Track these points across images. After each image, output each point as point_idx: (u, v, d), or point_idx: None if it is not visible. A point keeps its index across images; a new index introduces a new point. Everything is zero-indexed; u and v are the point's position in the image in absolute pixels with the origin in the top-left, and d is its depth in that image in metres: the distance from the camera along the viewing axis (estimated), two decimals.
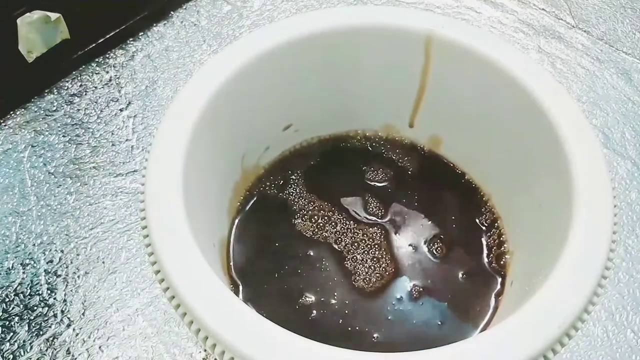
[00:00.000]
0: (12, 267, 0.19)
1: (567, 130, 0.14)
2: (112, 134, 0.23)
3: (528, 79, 0.15)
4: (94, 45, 0.24)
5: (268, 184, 0.18)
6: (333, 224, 0.17)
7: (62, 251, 0.20)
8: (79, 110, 0.23)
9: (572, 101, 0.15)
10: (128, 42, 0.25)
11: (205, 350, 0.18)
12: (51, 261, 0.19)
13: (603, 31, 0.26)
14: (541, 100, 0.14)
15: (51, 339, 0.18)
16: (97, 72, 0.24)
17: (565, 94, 0.15)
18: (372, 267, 0.16)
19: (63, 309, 0.19)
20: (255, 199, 0.17)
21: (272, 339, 0.11)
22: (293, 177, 0.18)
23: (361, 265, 0.16)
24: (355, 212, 0.17)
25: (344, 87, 0.17)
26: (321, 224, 0.17)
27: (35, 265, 0.19)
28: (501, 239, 0.17)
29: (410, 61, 0.16)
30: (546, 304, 0.12)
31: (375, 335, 0.15)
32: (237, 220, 0.17)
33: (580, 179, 0.13)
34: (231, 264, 0.16)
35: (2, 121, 0.23)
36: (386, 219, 0.17)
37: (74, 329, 0.18)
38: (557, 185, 0.14)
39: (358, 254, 0.16)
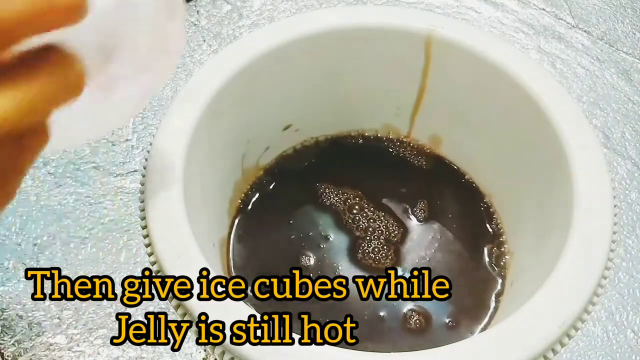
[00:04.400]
0: (13, 267, 0.19)
1: (567, 130, 0.14)
2: (112, 133, 0.22)
3: (528, 79, 0.15)
4: None
5: (268, 183, 0.18)
6: (335, 224, 0.17)
7: (62, 251, 0.20)
8: None
9: (572, 101, 0.15)
10: None
11: (205, 350, 0.18)
12: (51, 261, 0.19)
13: (603, 31, 0.26)
14: (541, 101, 0.14)
15: (52, 338, 0.18)
16: None
17: (565, 94, 0.15)
18: (378, 255, 0.16)
19: (63, 309, 0.18)
20: (255, 198, 0.17)
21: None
22: (293, 177, 0.18)
23: (371, 253, 0.16)
24: (357, 211, 0.17)
25: (344, 87, 0.17)
26: (322, 223, 0.17)
27: (35, 265, 0.19)
28: (501, 239, 0.17)
29: (410, 61, 0.16)
30: (546, 304, 0.12)
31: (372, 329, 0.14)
32: (237, 220, 0.17)
33: (580, 179, 0.13)
34: (231, 263, 0.16)
35: None
36: (387, 216, 0.17)
37: (74, 329, 0.18)
38: (557, 185, 0.14)
39: (368, 240, 0.16)
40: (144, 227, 0.13)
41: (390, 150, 0.18)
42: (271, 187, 0.18)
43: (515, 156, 0.16)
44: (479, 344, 0.11)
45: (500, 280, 0.16)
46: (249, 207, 0.17)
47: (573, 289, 0.12)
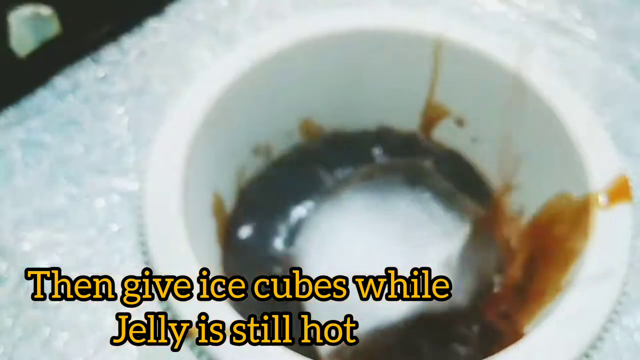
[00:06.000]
0: (6, 269, 0.19)
1: (581, 135, 0.14)
2: (106, 132, 0.22)
3: (541, 84, 0.14)
4: (87, 41, 0.24)
5: (269, 186, 0.17)
6: None
7: (56, 252, 0.19)
8: (72, 107, 0.23)
9: (588, 107, 0.14)
10: (122, 37, 0.24)
11: None
12: (46, 262, 0.19)
13: (612, 26, 0.25)
14: (555, 107, 0.14)
15: (49, 341, 0.18)
16: (90, 68, 0.24)
17: (580, 100, 0.14)
18: None
19: (57, 312, 0.18)
20: (256, 200, 0.17)
21: (268, 354, 0.10)
22: (296, 179, 0.17)
23: None
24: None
25: (351, 91, 0.17)
26: None
27: (30, 266, 0.19)
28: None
29: (418, 66, 0.16)
30: (563, 325, 0.11)
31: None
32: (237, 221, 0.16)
33: (596, 185, 0.13)
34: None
35: None
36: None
37: (71, 331, 0.18)
38: (570, 191, 0.14)
39: None
40: (141, 226, 0.12)
41: (396, 152, 0.18)
42: (273, 189, 0.17)
43: (527, 164, 0.16)
44: None
45: None
46: (249, 208, 0.17)
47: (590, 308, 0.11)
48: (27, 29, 0.22)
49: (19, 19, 0.21)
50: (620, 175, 0.13)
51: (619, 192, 0.13)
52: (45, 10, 0.22)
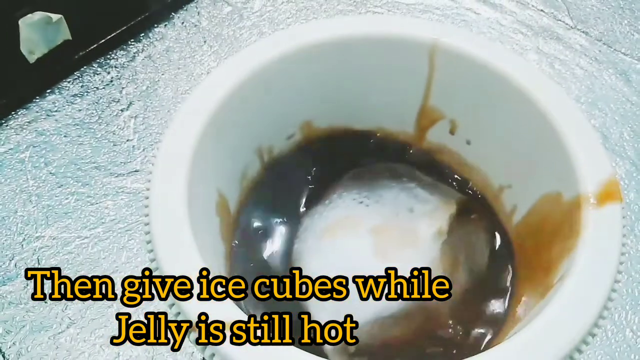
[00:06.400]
0: (14, 266, 0.19)
1: (573, 138, 0.14)
2: (114, 134, 0.23)
3: (535, 91, 0.14)
4: (95, 46, 0.24)
5: (272, 188, 0.17)
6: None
7: (62, 251, 0.20)
8: (80, 110, 0.23)
9: (577, 109, 0.14)
10: (129, 42, 0.25)
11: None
12: (54, 260, 0.19)
13: (601, 32, 0.26)
14: (546, 109, 0.14)
15: (52, 338, 0.18)
16: (98, 72, 0.24)
17: (570, 102, 0.14)
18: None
19: (64, 309, 0.19)
20: (259, 203, 0.17)
21: (272, 351, 0.10)
22: (298, 182, 0.17)
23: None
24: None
25: (350, 95, 0.17)
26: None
27: (36, 265, 0.19)
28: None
29: (414, 71, 0.16)
30: (555, 320, 0.11)
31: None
32: (239, 223, 0.17)
33: (587, 190, 0.13)
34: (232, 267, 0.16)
35: (3, 121, 0.23)
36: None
37: (74, 329, 0.18)
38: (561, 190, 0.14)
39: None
40: (147, 233, 0.12)
41: (394, 157, 0.18)
42: (274, 190, 0.17)
43: (520, 164, 0.16)
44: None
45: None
46: (252, 211, 0.17)
47: (582, 304, 0.12)
48: (38, 35, 0.22)
49: (30, 25, 0.22)
50: (610, 176, 0.13)
51: (609, 192, 0.13)
52: (55, 16, 0.22)
